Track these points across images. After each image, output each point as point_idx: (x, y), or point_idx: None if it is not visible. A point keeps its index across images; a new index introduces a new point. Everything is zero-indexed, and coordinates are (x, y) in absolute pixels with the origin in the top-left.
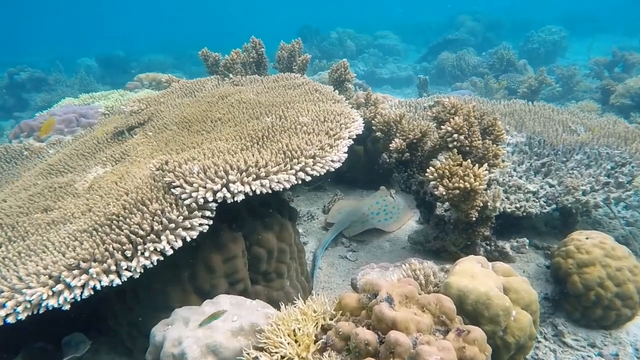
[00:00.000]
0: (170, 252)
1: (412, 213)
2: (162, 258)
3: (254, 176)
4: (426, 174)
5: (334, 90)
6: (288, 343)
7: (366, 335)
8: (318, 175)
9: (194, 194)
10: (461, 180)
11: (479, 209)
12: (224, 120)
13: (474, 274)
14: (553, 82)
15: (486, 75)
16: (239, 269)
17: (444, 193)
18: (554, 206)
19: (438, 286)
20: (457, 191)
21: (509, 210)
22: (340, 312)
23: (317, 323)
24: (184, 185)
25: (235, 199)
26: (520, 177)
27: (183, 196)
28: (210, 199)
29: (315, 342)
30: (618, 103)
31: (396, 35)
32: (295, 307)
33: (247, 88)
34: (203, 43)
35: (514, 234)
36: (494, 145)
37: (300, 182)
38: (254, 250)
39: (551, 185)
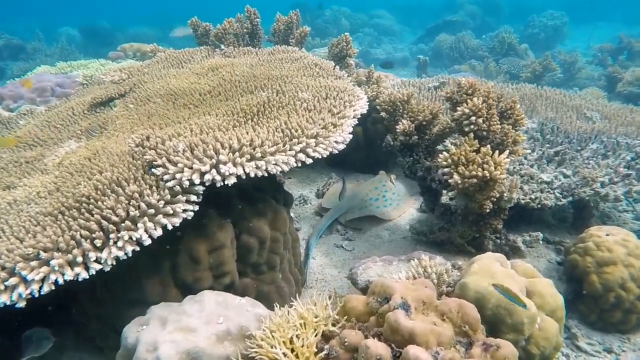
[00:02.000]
0: (148, 241)
1: (412, 201)
2: (138, 248)
3: (248, 157)
4: (438, 159)
5: (334, 66)
6: (284, 354)
7: (378, 349)
8: (320, 157)
9: (178, 176)
10: (479, 169)
11: (495, 199)
12: (214, 93)
13: (493, 274)
14: (557, 67)
15: (486, 59)
16: (226, 261)
17: (459, 182)
18: (570, 198)
19: (451, 286)
20: (474, 180)
21: (522, 201)
22: (345, 317)
23: (317, 329)
24: (167, 164)
25: (226, 182)
26: (532, 166)
27: (165, 177)
28: (197, 181)
29: (316, 353)
30: (625, 91)
31: (392, 16)
32: (292, 309)
33: (240, 60)
34: (194, 16)
35: (521, 226)
36: (513, 131)
37: (300, 164)
38: (244, 239)
39: (566, 176)
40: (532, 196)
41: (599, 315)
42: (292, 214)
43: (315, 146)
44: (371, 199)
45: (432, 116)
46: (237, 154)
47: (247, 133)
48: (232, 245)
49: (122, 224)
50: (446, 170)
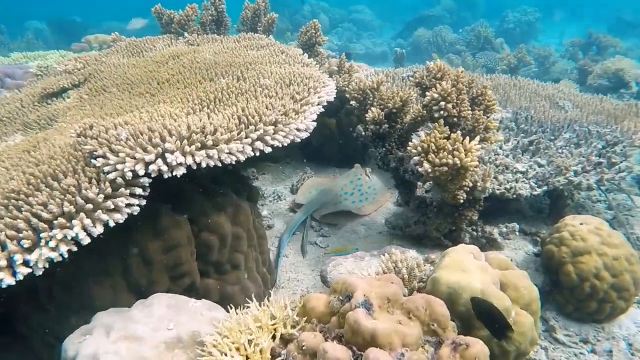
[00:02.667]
0: (86, 240)
1: (389, 194)
2: (75, 248)
3: (199, 145)
4: (408, 148)
5: (302, 53)
6: None
7: (337, 352)
8: (280, 146)
9: (119, 166)
10: (449, 156)
11: (468, 189)
12: (173, 81)
13: (466, 268)
14: (532, 60)
15: (463, 53)
16: (183, 260)
17: (429, 170)
18: (545, 188)
19: (424, 281)
20: (445, 168)
21: (497, 191)
22: (305, 318)
23: (275, 332)
24: (108, 154)
25: (175, 173)
26: (507, 156)
27: (106, 169)
28: (142, 172)
29: (272, 359)
30: (595, 84)
31: (371, 11)
32: (247, 311)
33: (204, 48)
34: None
35: (498, 218)
36: (485, 117)
37: (257, 153)
38: (204, 236)
39: (540, 165)
40: (507, 186)
41: (576, 306)
42: (264, 211)
43: (274, 134)
44: (346, 194)
45: (403, 103)
46: (185, 142)
47: (200, 120)
48: (190, 243)
49: (55, 222)
50: (416, 159)
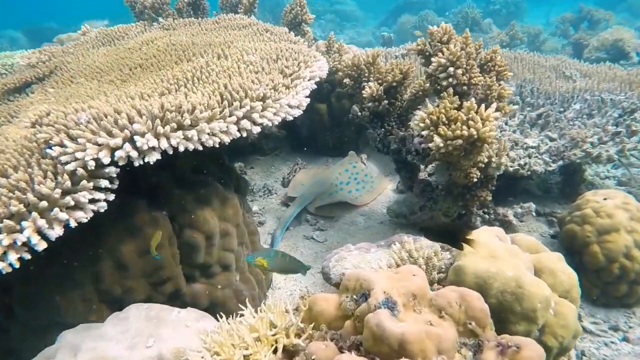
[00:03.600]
0: (42, 245)
1: (388, 181)
2: (28, 256)
3: (174, 125)
4: (415, 122)
5: (288, 31)
6: None
7: None
8: (270, 125)
9: (79, 155)
10: (464, 127)
11: (483, 166)
12: (146, 66)
13: (494, 253)
14: (524, 37)
15: None
16: (164, 264)
17: (441, 145)
18: (560, 162)
19: (443, 272)
20: (459, 141)
21: (511, 168)
22: (312, 324)
23: (276, 344)
24: (66, 141)
25: (147, 160)
26: (514, 132)
27: (63, 159)
28: (107, 160)
29: None
30: (593, 57)
31: (353, 2)
32: (242, 319)
33: (181, 31)
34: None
35: (507, 200)
36: (497, 84)
37: (244, 134)
38: (187, 235)
39: (552, 139)
40: (521, 162)
41: (603, 290)
42: (255, 207)
43: (262, 111)
44: (342, 183)
45: (403, 75)
46: (158, 122)
47: (176, 99)
48: (171, 243)
49: (0, 225)
50: (424, 133)
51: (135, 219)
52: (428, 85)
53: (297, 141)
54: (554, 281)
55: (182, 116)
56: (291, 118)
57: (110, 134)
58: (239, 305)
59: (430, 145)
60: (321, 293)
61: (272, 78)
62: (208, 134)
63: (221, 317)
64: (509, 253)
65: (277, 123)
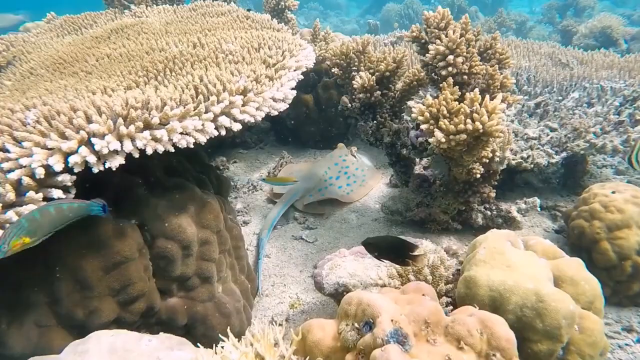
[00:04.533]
0: None
1: (380, 175)
2: None
3: (140, 125)
4: (412, 115)
5: (271, 18)
6: None
7: None
8: (253, 121)
9: (24, 161)
10: (468, 120)
11: (487, 161)
12: (114, 56)
13: (509, 261)
14: (513, 24)
15: None
16: (134, 279)
17: (443, 141)
18: (564, 154)
19: (450, 282)
20: (463, 136)
21: (513, 162)
22: (308, 358)
23: None
24: (8, 145)
25: (109, 165)
26: (512, 122)
27: (5, 166)
28: (59, 167)
29: None
30: (582, 44)
31: None
32: (223, 351)
33: (154, 19)
34: None
35: (506, 194)
36: (500, 72)
37: (223, 132)
38: (160, 245)
39: (553, 129)
40: (524, 155)
41: (613, 289)
42: (239, 204)
43: (243, 105)
44: (331, 178)
45: (397, 64)
46: (121, 121)
47: (144, 93)
48: (142, 256)
49: None
50: (424, 127)
51: (99, 230)
52: (423, 74)
53: (282, 134)
54: (576, 291)
55: (149, 114)
56: (276, 112)
57: (63, 136)
58: (223, 318)
59: (430, 140)
60: (316, 319)
61: (253, 69)
62: (181, 133)
63: (203, 336)
64: (525, 261)
65: (259, 119)
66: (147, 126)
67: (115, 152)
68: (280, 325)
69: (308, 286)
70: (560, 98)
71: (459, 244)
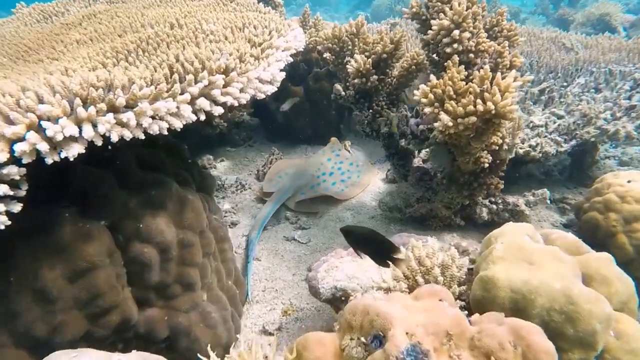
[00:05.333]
0: None
1: (376, 170)
2: None
3: (103, 107)
4: (413, 96)
5: (258, 2)
6: None
7: None
8: (237, 104)
9: None
10: (478, 101)
11: (497, 148)
12: (84, 41)
13: (531, 257)
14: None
15: None
16: (104, 288)
17: (450, 125)
18: (573, 142)
19: (463, 283)
20: (473, 119)
21: (521, 150)
22: None
23: None
24: None
25: (65, 155)
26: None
27: None
28: (3, 157)
29: None
30: (579, 32)
31: None
32: None
33: (130, 5)
34: None
35: (510, 186)
36: (508, 50)
37: (202, 117)
38: (135, 249)
39: (560, 116)
40: (532, 143)
41: None
42: (226, 204)
43: (225, 86)
44: (324, 174)
45: (394, 45)
46: (79, 102)
47: (110, 73)
48: (114, 262)
49: None
50: (428, 110)
51: (61, 233)
52: (423, 56)
53: (272, 129)
54: (608, 291)
55: (114, 95)
56: (262, 96)
57: (8, 120)
58: (209, 330)
59: (436, 125)
60: (314, 333)
61: (237, 47)
62: (152, 117)
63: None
64: (549, 257)
65: (244, 102)
66: (112, 108)
67: (73, 138)
68: (272, 334)
69: (302, 291)
70: (565, 84)
71: (469, 240)
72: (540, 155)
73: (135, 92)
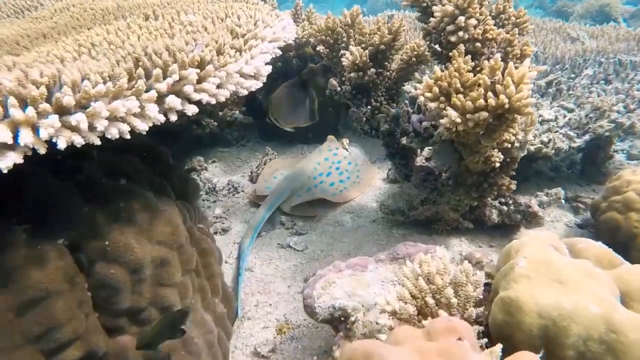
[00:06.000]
0: None
1: (376, 169)
2: None
3: (46, 107)
4: (417, 92)
5: None
6: None
7: None
8: (214, 102)
9: None
10: (490, 94)
11: (510, 146)
12: (51, 35)
13: (560, 274)
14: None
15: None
16: (63, 319)
17: (458, 121)
18: (586, 137)
19: (479, 303)
20: (484, 114)
21: (532, 147)
22: None
23: None
24: None
25: None
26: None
27: None
28: None
29: None
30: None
31: None
32: None
33: None
34: None
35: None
36: (517, 40)
37: (173, 117)
38: (100, 270)
39: (569, 110)
40: (544, 138)
41: None
42: (218, 209)
43: (199, 83)
44: (321, 175)
45: (393, 36)
46: (14, 102)
47: (58, 68)
48: (74, 286)
49: None
50: (432, 105)
51: (7, 258)
52: (424, 47)
53: (266, 128)
54: None
55: (62, 93)
56: (245, 92)
57: None
58: (191, 359)
59: (442, 122)
60: None
61: (215, 38)
62: (110, 118)
63: None
64: (582, 273)
65: (223, 99)
66: (59, 109)
67: (7, 146)
68: (265, 358)
69: (298, 305)
70: (573, 75)
71: (481, 249)
72: (553, 152)
73: (87, 89)
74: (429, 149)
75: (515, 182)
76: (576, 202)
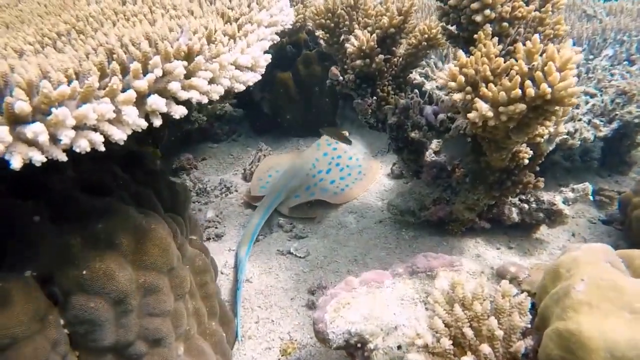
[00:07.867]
0: None
1: (379, 163)
2: None
3: None
4: (440, 82)
5: None
6: None
7: None
8: (206, 101)
9: None
10: (527, 82)
11: (542, 140)
12: (14, 24)
13: (632, 301)
14: None
15: None
16: None
17: (490, 115)
18: (614, 125)
19: (518, 331)
20: (522, 107)
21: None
22: None
23: None
24: None
25: None
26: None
27: None
28: None
29: None
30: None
31: None
32: None
33: None
34: None
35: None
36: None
37: (157, 122)
38: (78, 303)
39: (592, 95)
40: (570, 128)
41: None
42: (210, 212)
43: (187, 77)
44: (321, 172)
45: (403, 17)
46: None
47: (10, 64)
48: (46, 325)
49: None
50: (457, 97)
51: None
52: (436, 30)
53: (258, 121)
54: None
55: (14, 97)
56: (242, 87)
57: None
58: None
59: (470, 116)
60: None
61: (204, 23)
62: (71, 128)
63: None
64: None
65: (217, 97)
66: (10, 118)
67: None
68: None
69: (303, 320)
70: (591, 57)
71: (514, 260)
72: (580, 142)
73: (47, 92)
74: (437, 142)
75: (542, 179)
76: (599, 195)
